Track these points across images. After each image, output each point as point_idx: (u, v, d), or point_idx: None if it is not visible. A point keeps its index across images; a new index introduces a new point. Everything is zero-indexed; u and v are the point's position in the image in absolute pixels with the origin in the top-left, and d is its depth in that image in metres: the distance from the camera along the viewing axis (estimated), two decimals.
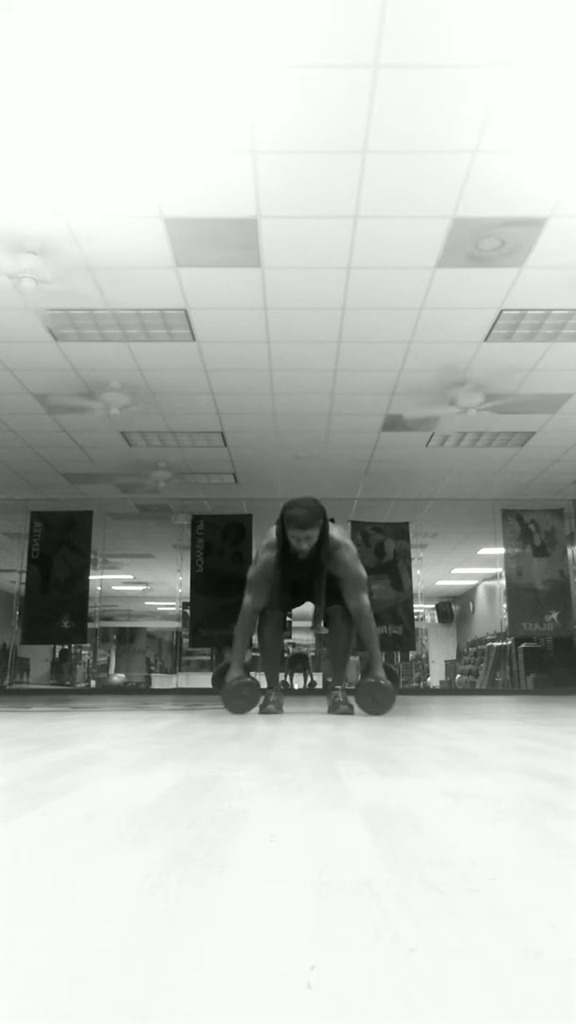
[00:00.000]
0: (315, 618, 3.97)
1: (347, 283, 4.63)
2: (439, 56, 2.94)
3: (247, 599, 3.95)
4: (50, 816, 0.98)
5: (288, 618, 16.93)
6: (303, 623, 17.34)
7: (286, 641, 16.14)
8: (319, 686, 13.91)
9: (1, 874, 0.72)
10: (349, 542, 3.96)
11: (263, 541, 3.98)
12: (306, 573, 3.87)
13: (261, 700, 3.87)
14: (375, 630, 3.89)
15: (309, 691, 12.22)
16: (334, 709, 3.80)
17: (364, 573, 3.93)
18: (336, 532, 3.89)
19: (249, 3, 2.71)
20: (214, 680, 4.54)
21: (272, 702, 3.88)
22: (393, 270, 4.48)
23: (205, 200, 3.82)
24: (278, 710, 3.86)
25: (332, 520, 3.93)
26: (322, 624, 3.98)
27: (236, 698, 3.80)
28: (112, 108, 3.20)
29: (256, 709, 3.85)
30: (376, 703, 3.69)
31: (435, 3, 2.71)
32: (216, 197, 3.79)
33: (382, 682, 3.69)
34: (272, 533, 3.91)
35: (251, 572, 3.98)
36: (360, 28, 2.81)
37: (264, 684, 4.04)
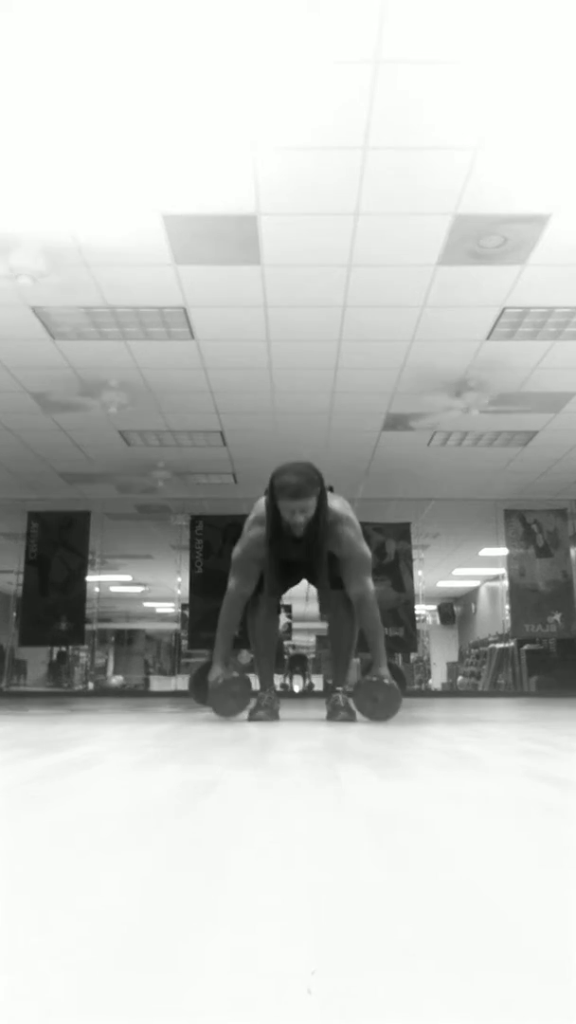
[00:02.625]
0: (321, 604, 3.50)
1: (348, 281, 4.60)
2: (441, 52, 2.90)
3: (232, 583, 3.38)
4: (49, 819, 0.97)
5: (288, 619, 16.96)
6: (303, 624, 17.38)
7: (286, 643, 16.18)
8: (317, 688, 13.89)
9: (0, 876, 0.71)
10: (352, 516, 3.37)
11: (250, 515, 3.40)
12: (301, 552, 3.29)
13: (252, 703, 3.36)
14: (379, 621, 3.32)
15: (308, 693, 12.20)
16: (333, 715, 3.27)
17: (368, 553, 3.36)
18: (337, 504, 3.32)
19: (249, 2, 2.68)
20: (192, 685, 3.81)
21: (264, 707, 3.30)
22: (394, 268, 4.45)
23: (204, 197, 3.78)
24: (271, 716, 3.28)
25: (331, 489, 3.37)
26: (325, 610, 3.51)
27: (226, 698, 3.27)
28: (110, 105, 3.17)
29: (247, 713, 3.35)
30: (377, 706, 3.15)
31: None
32: (215, 194, 3.75)
33: (385, 681, 3.15)
34: (260, 505, 3.33)
35: (237, 551, 3.40)
36: (362, 23, 2.78)
37: (257, 684, 3.58)
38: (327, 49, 2.92)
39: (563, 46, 2.90)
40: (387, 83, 3.07)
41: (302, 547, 3.29)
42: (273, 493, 3.16)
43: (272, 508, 3.22)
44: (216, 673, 3.32)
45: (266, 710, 3.29)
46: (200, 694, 3.56)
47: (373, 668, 3.23)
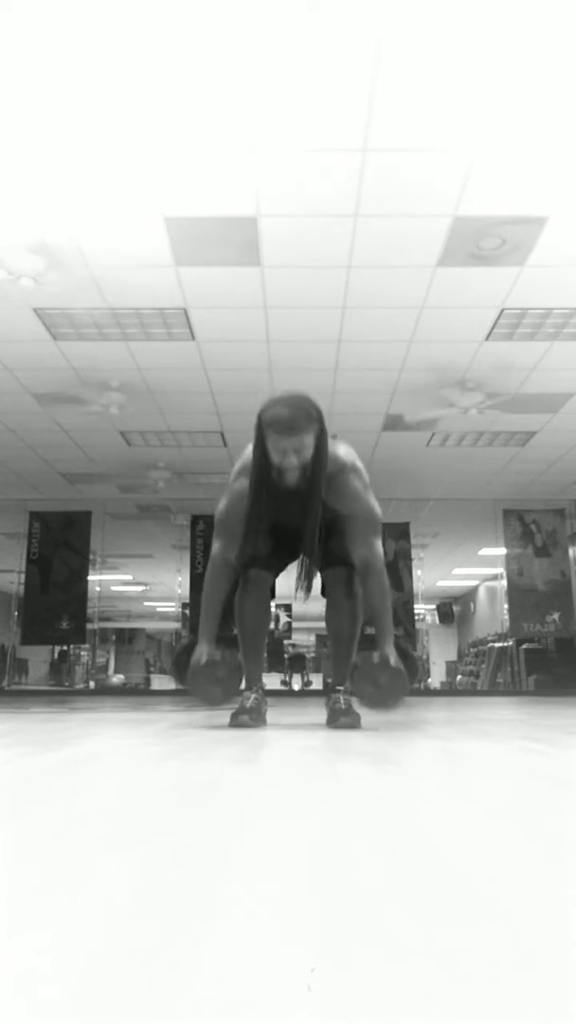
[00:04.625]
0: (303, 577, 2.79)
1: (347, 282, 4.61)
2: (441, 52, 2.92)
3: (215, 547, 2.81)
4: (49, 816, 0.97)
5: (288, 619, 16.91)
6: (303, 624, 17.36)
7: (286, 642, 16.17)
8: (315, 686, 13.86)
9: (1, 874, 0.71)
10: (359, 464, 2.74)
11: (235, 464, 2.80)
12: (296, 510, 2.63)
13: (239, 704, 2.74)
14: (388, 592, 2.74)
15: (307, 692, 12.18)
16: (333, 720, 2.69)
17: (378, 510, 2.74)
18: (341, 450, 2.70)
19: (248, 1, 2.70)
20: (175, 665, 3.17)
21: (249, 710, 2.66)
22: (393, 269, 4.47)
23: (205, 199, 3.80)
24: (256, 721, 2.66)
25: (334, 437, 2.76)
26: (307, 591, 2.79)
27: (208, 682, 2.73)
28: (112, 108, 3.18)
29: (230, 717, 2.68)
30: (379, 692, 2.62)
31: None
32: (216, 196, 3.77)
33: (391, 662, 2.60)
34: (248, 451, 2.70)
35: (220, 507, 2.80)
36: (361, 26, 2.80)
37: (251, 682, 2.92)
38: (327, 50, 2.93)
39: (562, 46, 2.91)
40: (387, 84, 3.09)
41: (297, 505, 2.60)
42: (261, 430, 2.51)
43: (260, 450, 2.55)
44: (201, 651, 2.75)
45: (251, 714, 2.65)
46: (182, 675, 2.93)
47: (377, 646, 2.65)
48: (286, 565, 2.97)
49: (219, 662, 2.75)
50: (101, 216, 3.94)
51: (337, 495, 2.64)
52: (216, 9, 2.74)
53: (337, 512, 2.67)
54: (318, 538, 2.62)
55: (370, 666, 2.64)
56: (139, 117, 3.26)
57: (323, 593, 2.92)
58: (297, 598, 2.84)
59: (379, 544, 2.72)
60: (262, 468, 2.57)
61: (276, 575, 2.97)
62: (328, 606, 2.94)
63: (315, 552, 2.67)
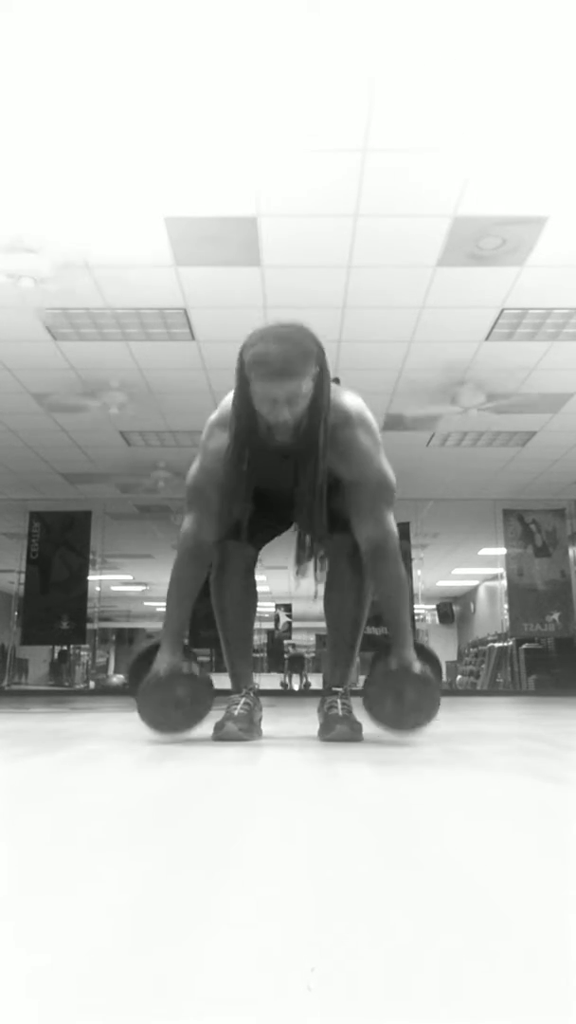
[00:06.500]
0: (302, 552, 2.15)
1: (347, 282, 4.61)
2: (441, 53, 2.92)
3: (186, 524, 2.24)
4: (50, 816, 0.97)
5: (288, 619, 16.80)
6: (304, 624, 17.35)
7: (286, 642, 16.14)
8: (315, 686, 13.83)
9: (1, 874, 0.71)
10: (369, 418, 2.15)
11: (211, 417, 2.19)
12: (288, 474, 2.07)
13: (224, 711, 2.18)
14: (405, 580, 2.18)
15: (306, 692, 12.17)
16: (327, 730, 2.14)
17: (392, 476, 2.19)
18: (346, 399, 2.10)
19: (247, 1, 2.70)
20: (131, 675, 2.32)
21: (237, 717, 2.13)
22: (393, 269, 4.47)
23: (205, 199, 3.80)
24: (248, 732, 2.11)
25: (337, 381, 2.17)
26: (309, 566, 2.16)
27: (162, 703, 2.08)
28: (114, 109, 3.19)
29: (213, 729, 2.13)
30: (405, 708, 2.06)
31: None
32: (216, 196, 3.77)
33: (414, 669, 2.06)
34: (227, 400, 2.11)
35: (191, 472, 2.25)
36: (361, 17, 2.80)
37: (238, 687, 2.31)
38: (327, 50, 2.93)
39: (562, 47, 2.91)
40: (387, 84, 3.09)
41: (288, 468, 2.06)
42: (243, 372, 1.95)
43: (242, 399, 1.98)
44: (160, 661, 2.11)
45: (240, 722, 2.12)
46: (136, 684, 2.18)
47: (394, 651, 2.10)
48: (273, 536, 2.38)
49: (182, 676, 2.09)
50: (101, 216, 3.94)
51: (340, 456, 2.05)
52: (216, 9, 2.74)
53: (336, 474, 2.09)
54: (319, 507, 2.04)
55: (388, 676, 2.07)
56: (140, 117, 3.26)
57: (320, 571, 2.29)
58: (298, 575, 2.19)
59: (391, 519, 2.13)
60: (245, 421, 1.99)
61: (260, 547, 2.38)
62: (328, 585, 2.31)
63: (316, 527, 2.07)
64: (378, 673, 2.10)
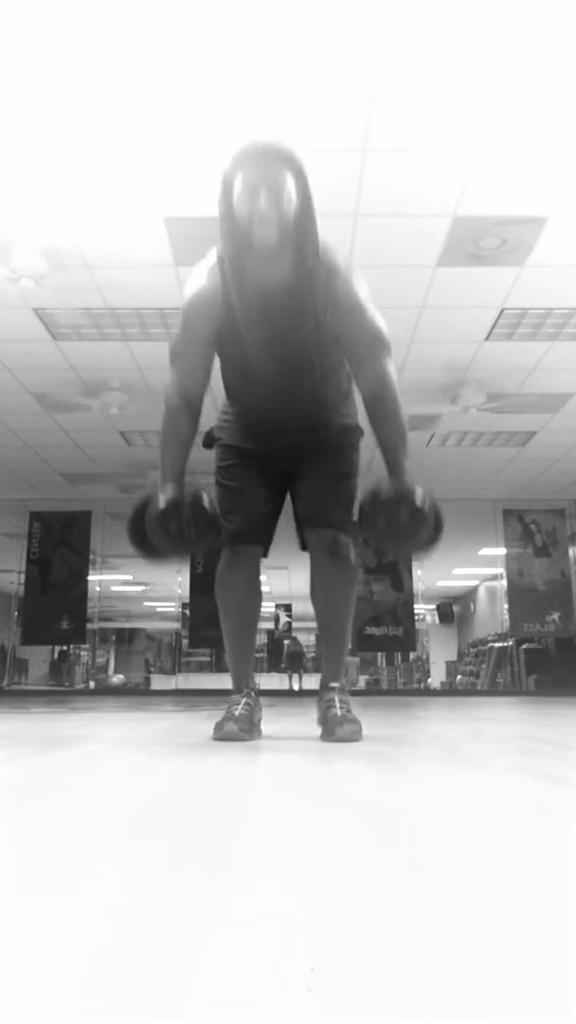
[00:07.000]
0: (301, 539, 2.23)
1: None
2: (441, 52, 2.92)
3: (170, 378, 2.11)
4: (50, 816, 0.97)
5: (288, 619, 16.74)
6: (304, 624, 17.35)
7: (286, 641, 16.12)
8: (312, 687, 13.74)
9: (1, 874, 0.71)
10: (357, 267, 2.13)
11: (193, 267, 2.12)
12: (288, 325, 2.03)
13: (224, 711, 2.16)
14: (403, 419, 2.07)
15: (305, 692, 12.17)
16: (330, 731, 2.08)
17: (383, 324, 2.12)
18: (334, 251, 2.06)
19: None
20: (131, 526, 2.07)
21: (237, 718, 2.10)
22: (393, 269, 4.47)
23: (205, 199, 3.80)
24: (248, 732, 2.08)
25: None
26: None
27: (160, 532, 1.97)
28: (113, 108, 3.19)
29: (214, 729, 2.10)
30: (396, 530, 1.99)
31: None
32: (216, 196, 3.77)
33: (410, 495, 1.97)
34: (207, 256, 2.07)
35: (175, 334, 2.14)
36: (361, 17, 2.80)
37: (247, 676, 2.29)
38: (327, 50, 2.93)
39: (562, 47, 2.92)
40: (387, 84, 3.09)
41: (283, 315, 2.00)
42: (227, 184, 1.93)
43: (228, 219, 1.94)
44: (164, 493, 1.99)
45: (241, 723, 2.09)
46: (138, 533, 2.05)
47: (392, 474, 2.01)
48: (274, 528, 2.31)
49: (178, 505, 1.96)
50: (101, 216, 3.94)
51: (333, 306, 2.01)
52: (216, 8, 2.74)
53: (331, 329, 2.05)
54: (320, 379, 2.10)
55: (380, 499, 1.96)
56: (139, 117, 3.26)
57: (305, 548, 2.28)
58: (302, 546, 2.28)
59: (390, 367, 2.08)
60: (234, 235, 1.93)
61: (266, 545, 2.30)
62: (312, 580, 2.28)
63: (325, 394, 2.15)
64: (375, 495, 1.98)
